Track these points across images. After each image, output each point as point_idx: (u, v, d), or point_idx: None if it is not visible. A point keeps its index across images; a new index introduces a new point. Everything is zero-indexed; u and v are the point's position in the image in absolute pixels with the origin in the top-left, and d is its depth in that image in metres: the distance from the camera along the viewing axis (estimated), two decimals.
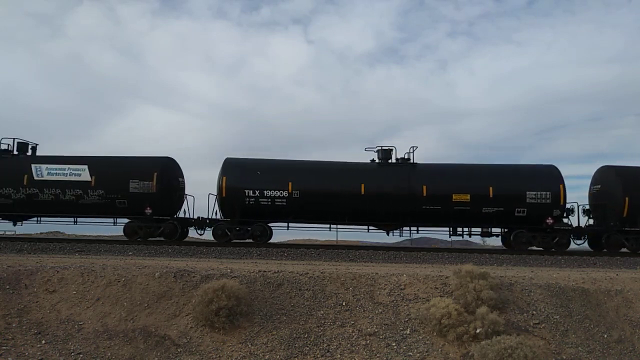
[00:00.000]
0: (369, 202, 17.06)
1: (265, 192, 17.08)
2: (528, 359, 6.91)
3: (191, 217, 18.24)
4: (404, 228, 18.01)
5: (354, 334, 8.11)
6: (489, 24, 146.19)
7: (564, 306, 8.77)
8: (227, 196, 17.17)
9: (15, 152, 18.68)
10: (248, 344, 7.89)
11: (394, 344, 7.92)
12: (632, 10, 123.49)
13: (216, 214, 17.99)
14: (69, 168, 17.58)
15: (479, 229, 17.76)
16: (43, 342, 7.80)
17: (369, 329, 8.18)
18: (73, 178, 17.47)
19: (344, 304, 8.68)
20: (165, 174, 17.76)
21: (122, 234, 17.88)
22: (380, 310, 8.55)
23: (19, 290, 8.80)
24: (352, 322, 8.33)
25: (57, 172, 17.57)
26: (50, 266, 9.46)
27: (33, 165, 17.69)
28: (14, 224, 18.60)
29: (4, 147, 18.65)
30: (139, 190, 17.28)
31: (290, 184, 17.08)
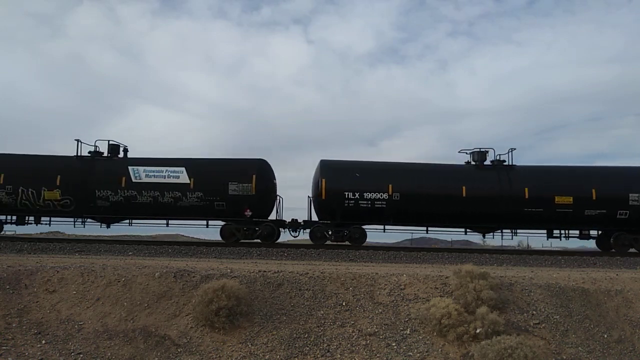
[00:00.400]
0: (469, 205, 17.03)
1: (365, 194, 17.01)
2: (528, 359, 6.91)
3: (282, 218, 18.22)
4: (502, 231, 17.91)
5: (354, 334, 8.11)
6: (489, 24, 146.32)
7: (564, 306, 8.77)
8: (327, 198, 17.13)
9: (107, 155, 18.56)
10: (248, 344, 7.89)
11: (394, 344, 7.92)
12: (632, 10, 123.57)
13: (311, 215, 18.14)
14: (166, 170, 17.50)
15: (577, 232, 17.67)
16: (43, 342, 7.80)
17: (369, 329, 8.18)
18: (172, 180, 17.38)
19: (344, 304, 8.68)
20: (262, 176, 17.68)
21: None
22: (380, 310, 8.55)
23: (19, 290, 8.80)
24: (352, 322, 8.33)
25: (155, 174, 17.48)
26: (50, 266, 9.46)
27: (130, 168, 17.57)
28: (108, 227, 18.39)
29: (88, 149, 18.62)
30: (238, 193, 17.22)
31: (390, 186, 17.01)
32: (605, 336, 8.31)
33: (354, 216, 17.20)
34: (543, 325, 8.33)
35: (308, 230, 17.82)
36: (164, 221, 18.07)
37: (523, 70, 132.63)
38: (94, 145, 18.68)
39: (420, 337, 7.99)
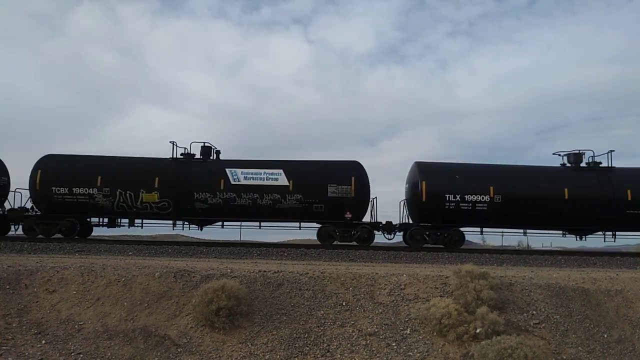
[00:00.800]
0: (571, 207, 16.92)
1: (466, 196, 16.90)
2: (528, 359, 6.91)
3: (376, 220, 18.06)
4: (604, 233, 17.79)
5: (354, 334, 8.11)
6: (490, 24, 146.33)
7: (564, 306, 8.77)
8: (427, 201, 17.02)
9: (199, 157, 18.44)
10: (248, 344, 7.89)
11: (394, 344, 7.92)
12: (632, 10, 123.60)
13: (408, 217, 18.14)
14: (264, 172, 17.43)
15: None
16: (43, 342, 7.80)
17: (369, 329, 8.18)
18: (270, 182, 17.29)
19: (344, 304, 8.68)
20: (360, 178, 17.56)
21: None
22: (380, 310, 8.55)
23: (19, 290, 8.80)
24: (352, 322, 8.33)
25: (254, 176, 17.40)
26: (50, 266, 9.46)
27: (228, 170, 17.47)
28: (200, 229, 18.32)
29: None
30: (337, 195, 17.15)
31: (491, 188, 16.92)
32: (605, 336, 8.31)
33: (455, 219, 17.09)
34: (543, 325, 8.33)
35: (401, 233, 17.87)
36: (257, 223, 18.01)
37: (523, 70, 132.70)
38: (177, 146, 18.51)
39: (420, 337, 7.99)
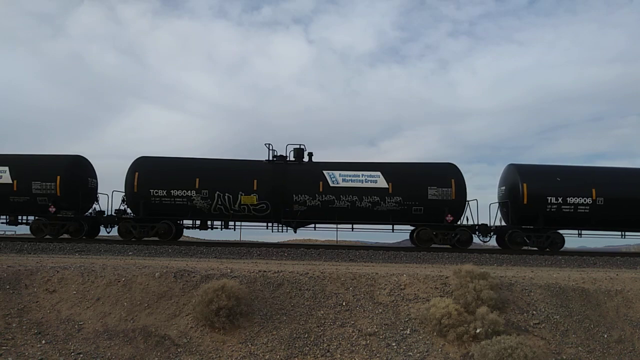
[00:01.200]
0: None
1: (568, 199, 16.84)
2: (528, 359, 6.91)
3: (473, 223, 17.78)
4: None
5: (354, 334, 8.12)
6: (491, 23, 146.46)
7: (564, 306, 8.77)
8: (529, 203, 16.93)
9: (293, 159, 18.34)
10: (248, 344, 7.90)
11: (394, 344, 7.92)
12: (634, 10, 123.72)
13: (501, 221, 18.05)
14: (362, 174, 17.36)
15: None
16: (43, 342, 7.80)
17: (369, 329, 8.18)
18: (369, 185, 17.22)
19: (344, 304, 8.69)
20: (460, 181, 17.45)
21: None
22: (380, 310, 8.55)
23: (19, 290, 8.80)
24: (352, 322, 8.33)
25: (352, 178, 17.35)
26: (50, 266, 9.46)
27: (325, 172, 17.43)
28: (295, 231, 18.22)
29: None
30: (437, 197, 17.02)
31: (594, 190, 16.90)
32: (605, 336, 8.31)
33: (555, 221, 17.03)
34: (543, 325, 8.34)
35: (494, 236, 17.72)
36: (349, 225, 17.83)
37: (524, 70, 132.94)
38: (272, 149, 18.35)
39: (420, 337, 7.99)
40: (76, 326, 8.13)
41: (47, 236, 17.47)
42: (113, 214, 18.21)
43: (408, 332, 8.12)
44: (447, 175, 17.36)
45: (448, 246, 17.06)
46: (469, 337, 7.72)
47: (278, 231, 18.17)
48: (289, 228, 17.98)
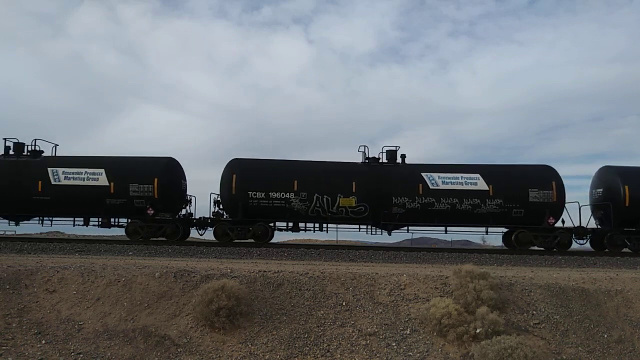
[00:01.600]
0: None
1: None
2: (528, 359, 6.91)
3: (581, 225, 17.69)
4: None
5: (354, 334, 8.11)
6: (491, 23, 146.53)
7: (564, 306, 8.77)
8: (631, 205, 16.87)
9: (385, 161, 18.08)
10: (248, 344, 7.89)
11: (394, 344, 7.92)
12: (634, 10, 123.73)
13: (596, 223, 17.97)
14: (462, 177, 17.33)
15: None
16: (43, 342, 7.80)
17: (369, 329, 8.18)
18: (469, 187, 17.15)
19: (344, 304, 8.68)
20: (559, 183, 17.35)
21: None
22: (380, 310, 8.55)
23: (19, 290, 8.80)
24: (352, 322, 8.33)
25: (452, 181, 17.27)
26: (50, 266, 9.46)
27: (424, 174, 17.35)
28: (389, 234, 18.17)
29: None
30: (538, 200, 16.96)
31: None
32: (605, 336, 8.31)
33: None
34: (543, 325, 8.33)
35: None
36: (442, 228, 17.80)
37: (524, 70, 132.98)
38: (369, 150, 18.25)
39: (420, 337, 7.99)
40: (76, 326, 8.13)
41: (141, 238, 17.35)
42: (211, 215, 18.11)
43: (408, 332, 8.12)
44: (548, 177, 17.34)
45: (544, 249, 16.92)
46: (469, 337, 7.72)
47: (373, 234, 18.18)
48: (382, 230, 17.93)
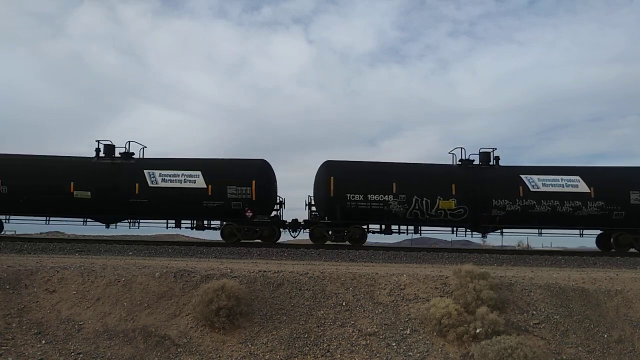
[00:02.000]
0: None
1: None
2: (528, 359, 6.91)
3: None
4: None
5: (354, 334, 8.11)
6: (491, 23, 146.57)
7: (564, 306, 8.76)
8: None
9: (479, 162, 18.06)
10: (248, 344, 7.89)
11: (394, 344, 7.92)
12: (634, 10, 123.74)
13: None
14: (562, 179, 17.30)
15: None
16: (43, 342, 7.80)
17: (369, 329, 8.18)
18: (570, 189, 17.12)
19: (344, 304, 8.68)
20: None
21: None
22: (380, 310, 8.55)
23: (19, 290, 8.80)
24: (352, 322, 8.33)
25: (552, 182, 17.25)
26: (50, 266, 9.46)
27: (523, 176, 17.32)
28: (485, 236, 18.37)
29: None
30: (639, 202, 16.89)
31: None
32: (605, 336, 8.31)
33: None
34: (543, 325, 8.33)
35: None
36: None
37: (524, 70, 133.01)
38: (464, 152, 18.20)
39: (420, 337, 7.99)
40: (76, 326, 8.13)
41: (237, 241, 17.31)
42: (309, 218, 18.14)
43: (408, 332, 8.12)
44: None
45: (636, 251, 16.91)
46: (469, 337, 7.71)
47: (472, 237, 18.51)
48: (474, 233, 17.96)
